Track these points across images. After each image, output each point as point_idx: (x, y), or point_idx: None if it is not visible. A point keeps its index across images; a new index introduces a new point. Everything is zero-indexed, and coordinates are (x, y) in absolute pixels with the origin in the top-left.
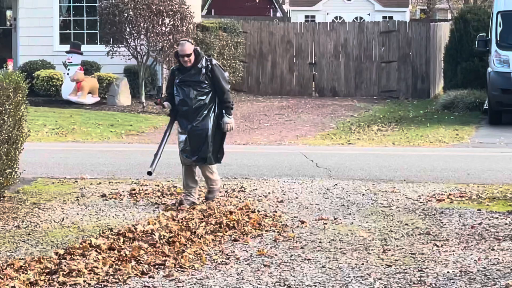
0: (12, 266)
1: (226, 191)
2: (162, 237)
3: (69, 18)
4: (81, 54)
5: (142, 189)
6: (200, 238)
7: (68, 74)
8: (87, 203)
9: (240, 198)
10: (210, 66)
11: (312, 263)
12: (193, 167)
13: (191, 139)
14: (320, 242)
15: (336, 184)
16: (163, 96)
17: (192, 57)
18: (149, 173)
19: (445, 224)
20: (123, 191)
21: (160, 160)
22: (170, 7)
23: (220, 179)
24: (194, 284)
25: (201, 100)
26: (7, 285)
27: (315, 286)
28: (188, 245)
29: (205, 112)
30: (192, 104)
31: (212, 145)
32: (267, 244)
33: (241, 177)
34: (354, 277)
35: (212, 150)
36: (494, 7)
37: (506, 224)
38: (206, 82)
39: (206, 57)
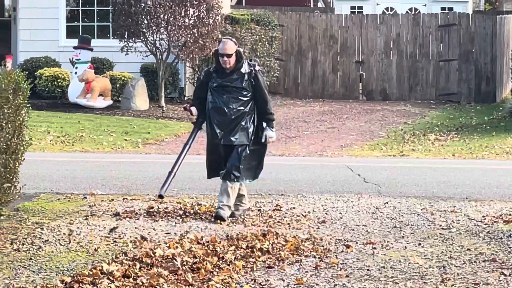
0: None
1: (259, 210)
2: (185, 263)
3: (77, 8)
4: (91, 50)
5: (162, 207)
6: (229, 265)
7: (75, 73)
8: (98, 223)
9: (275, 218)
10: (254, 72)
11: None
12: None
13: (225, 152)
14: (368, 269)
15: (387, 203)
16: (186, 99)
17: (233, 59)
18: (161, 197)
19: None
20: (139, 209)
21: (183, 174)
22: None
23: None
24: None
25: (240, 109)
26: None
27: None
28: (215, 273)
29: (245, 123)
30: (231, 114)
31: (251, 161)
32: (306, 271)
33: (276, 193)
34: None
35: (252, 166)
36: None
37: None
38: (248, 89)
39: (248, 61)
